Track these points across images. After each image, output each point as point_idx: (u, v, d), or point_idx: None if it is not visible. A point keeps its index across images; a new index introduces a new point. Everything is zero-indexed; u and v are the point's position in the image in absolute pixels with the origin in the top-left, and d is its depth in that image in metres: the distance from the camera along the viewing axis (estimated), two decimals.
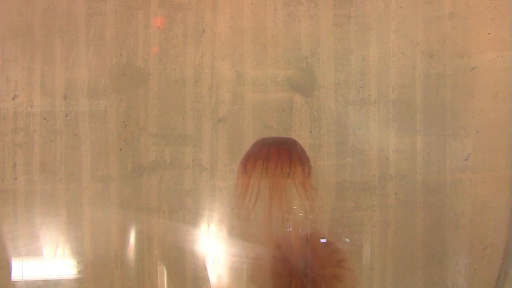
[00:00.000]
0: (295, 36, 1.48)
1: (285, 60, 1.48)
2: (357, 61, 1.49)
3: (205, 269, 1.45)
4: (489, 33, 1.50)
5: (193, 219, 1.45)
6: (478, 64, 1.50)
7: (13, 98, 1.43)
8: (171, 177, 1.45)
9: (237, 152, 1.44)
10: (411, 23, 1.50)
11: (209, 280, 1.45)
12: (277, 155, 1.37)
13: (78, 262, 1.43)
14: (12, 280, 1.42)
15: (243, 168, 1.38)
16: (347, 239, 1.46)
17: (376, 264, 1.48)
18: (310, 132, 1.46)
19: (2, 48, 1.43)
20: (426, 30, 1.50)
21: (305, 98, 1.47)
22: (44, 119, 1.43)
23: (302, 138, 1.46)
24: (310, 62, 1.48)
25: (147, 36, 1.46)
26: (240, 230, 1.43)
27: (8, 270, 1.42)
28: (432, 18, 1.50)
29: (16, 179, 1.42)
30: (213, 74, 1.47)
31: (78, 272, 1.43)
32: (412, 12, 1.50)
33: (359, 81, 1.49)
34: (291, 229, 1.39)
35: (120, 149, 1.45)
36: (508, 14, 1.50)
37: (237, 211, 1.42)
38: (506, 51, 1.49)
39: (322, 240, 1.42)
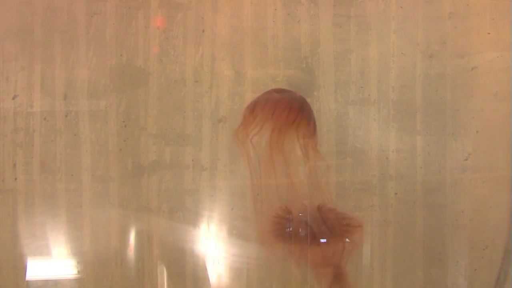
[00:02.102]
0: (295, 36, 1.48)
1: (285, 60, 1.48)
2: (357, 61, 1.49)
3: (205, 269, 1.45)
4: (489, 33, 1.50)
5: (193, 219, 1.45)
6: (478, 64, 1.50)
7: (13, 98, 1.43)
8: (171, 177, 1.45)
9: (237, 152, 1.44)
10: (411, 23, 1.50)
11: (209, 280, 1.45)
12: (288, 103, 1.39)
13: (78, 262, 1.43)
14: (12, 280, 1.42)
15: (250, 110, 1.41)
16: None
17: (376, 264, 1.48)
18: None
19: (2, 48, 1.43)
20: (426, 30, 1.50)
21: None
22: (44, 119, 1.43)
23: None
24: (310, 62, 1.48)
25: (147, 36, 1.46)
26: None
27: (8, 270, 1.42)
28: (432, 18, 1.50)
29: (16, 179, 1.42)
30: (213, 74, 1.47)
31: (78, 272, 1.43)
32: (412, 12, 1.50)
33: (359, 81, 1.48)
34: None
35: (120, 149, 1.45)
36: (508, 14, 1.50)
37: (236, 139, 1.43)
38: (506, 51, 1.49)
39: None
